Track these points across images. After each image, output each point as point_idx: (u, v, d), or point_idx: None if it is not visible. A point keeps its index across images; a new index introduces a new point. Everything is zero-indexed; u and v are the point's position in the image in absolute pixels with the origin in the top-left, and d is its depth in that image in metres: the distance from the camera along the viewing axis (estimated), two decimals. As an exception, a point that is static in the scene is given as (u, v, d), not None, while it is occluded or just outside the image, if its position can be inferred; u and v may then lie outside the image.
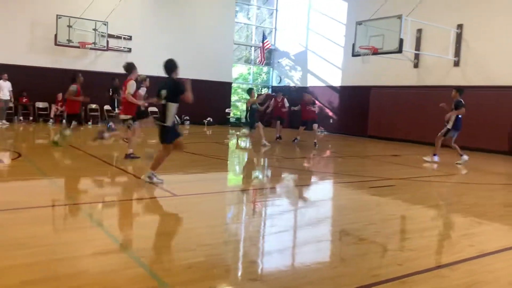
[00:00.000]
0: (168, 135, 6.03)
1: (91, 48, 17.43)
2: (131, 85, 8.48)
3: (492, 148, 13.41)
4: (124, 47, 18.57)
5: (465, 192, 7.16)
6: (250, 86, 21.21)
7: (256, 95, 12.87)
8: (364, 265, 3.60)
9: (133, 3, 18.68)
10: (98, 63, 18.21)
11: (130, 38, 18.73)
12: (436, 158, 9.97)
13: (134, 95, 8.65)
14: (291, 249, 4.13)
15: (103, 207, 5.26)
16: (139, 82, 11.56)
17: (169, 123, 5.93)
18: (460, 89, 10.15)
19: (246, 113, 12.55)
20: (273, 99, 14.95)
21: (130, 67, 8.84)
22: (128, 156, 8.41)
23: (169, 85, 5.96)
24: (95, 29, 17.33)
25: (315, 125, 13.61)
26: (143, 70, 18.42)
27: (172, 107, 5.90)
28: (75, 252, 3.53)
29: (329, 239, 4.48)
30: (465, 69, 14.35)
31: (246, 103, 12.61)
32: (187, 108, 19.68)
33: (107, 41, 17.68)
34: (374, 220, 5.03)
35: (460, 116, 9.78)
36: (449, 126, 9.79)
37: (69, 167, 8.05)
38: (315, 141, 12.82)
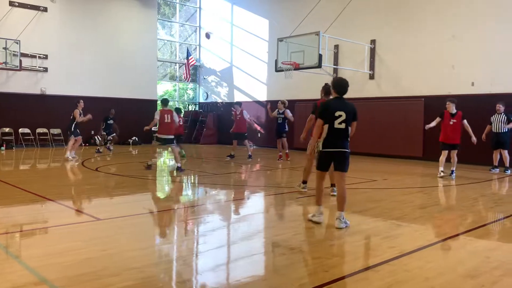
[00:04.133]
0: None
1: (1, 68, 16.30)
2: None
3: (407, 154, 14.37)
4: (39, 67, 17.61)
5: (385, 197, 7.58)
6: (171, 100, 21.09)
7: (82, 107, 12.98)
8: (293, 275, 3.68)
9: (48, 20, 17.82)
10: (10, 84, 17.09)
11: (46, 57, 17.80)
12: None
13: None
14: (224, 265, 4.11)
15: (20, 237, 4.89)
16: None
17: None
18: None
19: (72, 123, 12.90)
20: (233, 112, 14.00)
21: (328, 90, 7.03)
22: None
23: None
24: (5, 48, 16.27)
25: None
26: (61, 90, 17.73)
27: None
28: (-13, 289, 3.25)
29: (260, 252, 4.51)
30: (380, 82, 15.33)
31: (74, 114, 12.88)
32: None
33: (20, 61, 16.63)
34: (301, 230, 5.17)
35: None
36: None
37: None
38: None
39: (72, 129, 13.01)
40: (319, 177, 5.57)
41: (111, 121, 15.57)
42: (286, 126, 13.33)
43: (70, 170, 11.22)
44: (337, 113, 5.25)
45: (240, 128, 13.72)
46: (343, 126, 5.29)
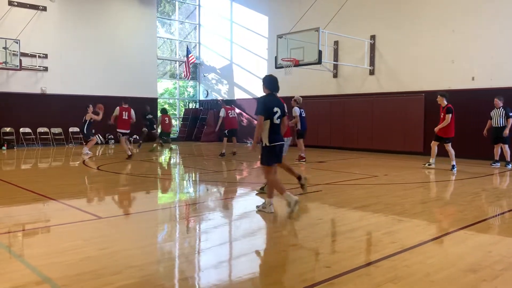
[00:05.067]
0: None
1: (1, 68, 16.31)
2: None
3: (408, 149, 14.36)
4: (39, 66, 17.61)
5: (385, 192, 7.58)
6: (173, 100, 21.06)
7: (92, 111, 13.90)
8: (295, 271, 3.68)
9: (48, 19, 17.80)
10: (11, 84, 17.09)
11: (46, 56, 17.79)
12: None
13: None
14: (226, 262, 4.12)
15: (22, 236, 4.90)
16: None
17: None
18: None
19: (84, 126, 14.00)
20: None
21: None
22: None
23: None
24: (5, 48, 16.26)
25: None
26: (61, 89, 17.73)
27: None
28: (-11, 288, 3.26)
29: (262, 249, 4.53)
30: (380, 77, 15.30)
31: (85, 117, 13.93)
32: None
33: (20, 60, 16.63)
34: (303, 226, 5.17)
35: None
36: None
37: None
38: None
39: (85, 132, 14.05)
40: (270, 172, 5.68)
41: (150, 116, 16.70)
42: (298, 125, 12.20)
43: (72, 169, 11.22)
44: (275, 109, 5.56)
45: (232, 125, 13.84)
46: (279, 121, 5.62)
